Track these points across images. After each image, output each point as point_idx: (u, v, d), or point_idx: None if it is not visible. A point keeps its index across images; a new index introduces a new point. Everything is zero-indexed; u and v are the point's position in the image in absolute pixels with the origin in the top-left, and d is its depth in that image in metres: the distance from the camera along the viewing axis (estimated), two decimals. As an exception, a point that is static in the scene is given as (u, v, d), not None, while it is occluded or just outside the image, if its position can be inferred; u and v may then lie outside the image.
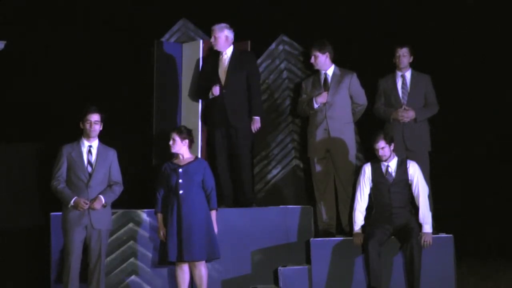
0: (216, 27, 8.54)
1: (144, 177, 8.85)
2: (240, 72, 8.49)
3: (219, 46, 8.55)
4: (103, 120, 7.80)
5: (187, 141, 7.98)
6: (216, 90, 8.47)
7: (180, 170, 7.89)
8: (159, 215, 7.94)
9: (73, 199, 7.60)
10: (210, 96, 8.54)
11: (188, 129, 8.06)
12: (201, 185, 7.93)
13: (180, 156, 7.99)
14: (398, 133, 8.51)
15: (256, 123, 8.48)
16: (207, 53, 8.80)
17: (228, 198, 8.55)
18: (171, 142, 7.96)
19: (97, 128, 7.75)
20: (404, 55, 8.67)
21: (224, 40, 8.54)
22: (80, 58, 9.75)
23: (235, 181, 8.59)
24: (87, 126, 7.73)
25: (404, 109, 8.61)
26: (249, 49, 8.82)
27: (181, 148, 7.97)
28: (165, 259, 7.85)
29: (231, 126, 8.47)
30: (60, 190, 7.66)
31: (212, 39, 8.56)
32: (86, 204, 7.58)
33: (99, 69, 9.67)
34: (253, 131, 8.50)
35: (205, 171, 7.96)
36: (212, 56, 8.69)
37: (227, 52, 8.58)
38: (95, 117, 7.74)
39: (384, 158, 8.09)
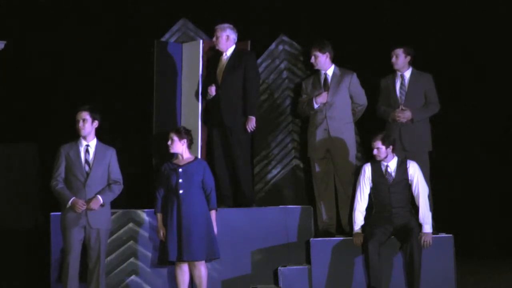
0: (218, 27, 8.55)
1: (144, 177, 8.85)
2: (237, 72, 8.48)
3: (220, 46, 8.56)
4: (99, 119, 7.76)
5: (185, 141, 7.99)
6: (212, 90, 8.49)
7: (180, 170, 7.89)
8: (159, 215, 7.94)
9: (71, 200, 7.60)
10: (208, 97, 8.55)
11: (187, 129, 8.07)
12: (201, 185, 7.93)
13: (180, 156, 7.99)
14: (395, 133, 8.49)
15: (251, 123, 8.46)
16: (210, 53, 8.80)
17: (227, 198, 8.55)
18: (169, 142, 7.97)
19: (87, 126, 7.71)
20: (397, 56, 8.64)
21: (225, 40, 8.54)
22: (80, 58, 9.76)
23: (234, 181, 8.58)
24: (77, 124, 7.72)
25: (401, 109, 8.59)
26: (249, 49, 8.82)
27: (179, 148, 7.97)
28: (165, 259, 7.85)
29: (226, 126, 8.47)
30: (58, 190, 7.66)
31: (214, 39, 8.57)
32: (83, 205, 7.57)
33: (99, 69, 9.67)
34: (249, 131, 8.49)
35: (204, 171, 7.96)
36: (214, 56, 8.69)
37: (228, 53, 8.59)
38: (83, 115, 7.71)
39: (377, 158, 8.10)
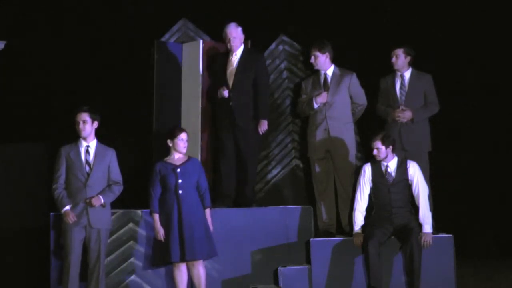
0: (233, 26, 8.45)
1: (144, 177, 8.83)
2: (248, 73, 8.42)
3: (236, 47, 8.48)
4: (98, 120, 7.78)
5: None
6: (225, 93, 8.40)
7: (178, 170, 7.89)
8: (156, 215, 7.91)
9: (64, 210, 7.63)
10: (219, 96, 8.48)
11: None
12: (196, 185, 7.93)
13: (174, 156, 7.98)
14: (395, 133, 8.48)
15: (263, 126, 8.46)
16: (210, 53, 8.75)
17: (228, 198, 8.53)
18: (186, 139, 7.92)
19: (87, 127, 7.73)
20: (397, 56, 8.63)
21: (242, 38, 8.49)
22: (80, 58, 9.76)
23: (238, 181, 8.56)
24: (77, 126, 7.74)
25: (402, 109, 8.59)
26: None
27: (185, 148, 7.97)
28: (166, 260, 7.83)
29: (238, 127, 8.43)
30: (56, 196, 7.69)
31: (232, 40, 8.43)
32: (74, 218, 7.59)
33: (99, 69, 9.67)
34: (260, 133, 8.49)
35: (200, 171, 7.97)
36: (220, 56, 8.61)
37: (237, 53, 8.53)
38: (82, 117, 7.73)
39: (377, 158, 8.11)
